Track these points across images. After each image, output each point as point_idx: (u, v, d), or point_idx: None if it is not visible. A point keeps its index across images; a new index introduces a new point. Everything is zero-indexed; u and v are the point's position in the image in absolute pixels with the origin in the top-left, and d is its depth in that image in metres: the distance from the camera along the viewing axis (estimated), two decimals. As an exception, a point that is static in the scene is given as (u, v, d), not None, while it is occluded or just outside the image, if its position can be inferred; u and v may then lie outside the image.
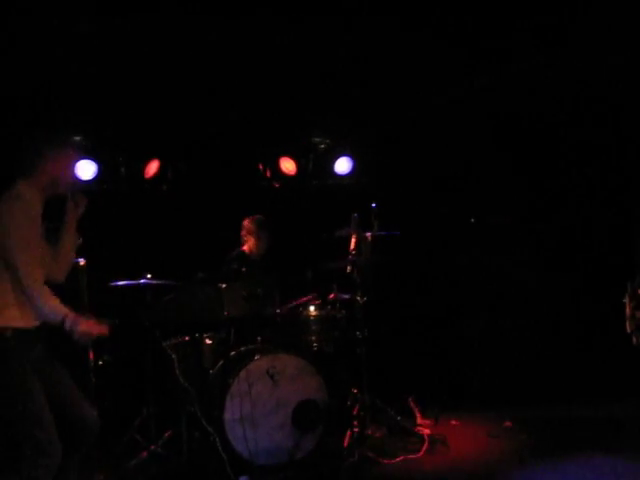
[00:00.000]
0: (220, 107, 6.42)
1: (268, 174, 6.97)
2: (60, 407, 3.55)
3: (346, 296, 5.90)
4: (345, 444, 5.21)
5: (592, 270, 7.04)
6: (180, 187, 6.75)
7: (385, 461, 5.11)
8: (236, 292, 5.52)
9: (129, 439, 5.40)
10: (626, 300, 5.39)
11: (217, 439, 4.90)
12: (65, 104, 5.99)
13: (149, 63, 5.95)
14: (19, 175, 3.63)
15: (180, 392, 5.19)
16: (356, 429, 5.34)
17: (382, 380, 5.86)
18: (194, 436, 5.20)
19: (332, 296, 5.92)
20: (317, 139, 7.02)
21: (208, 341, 5.51)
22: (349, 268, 5.75)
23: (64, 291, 3.76)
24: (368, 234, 5.74)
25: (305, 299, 5.86)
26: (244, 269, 5.65)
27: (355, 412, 5.52)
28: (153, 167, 6.56)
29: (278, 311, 5.70)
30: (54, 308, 3.50)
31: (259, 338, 5.58)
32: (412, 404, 6.13)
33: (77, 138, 6.13)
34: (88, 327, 3.49)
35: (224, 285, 5.38)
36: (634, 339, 5.33)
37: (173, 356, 5.26)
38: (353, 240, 5.70)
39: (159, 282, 5.42)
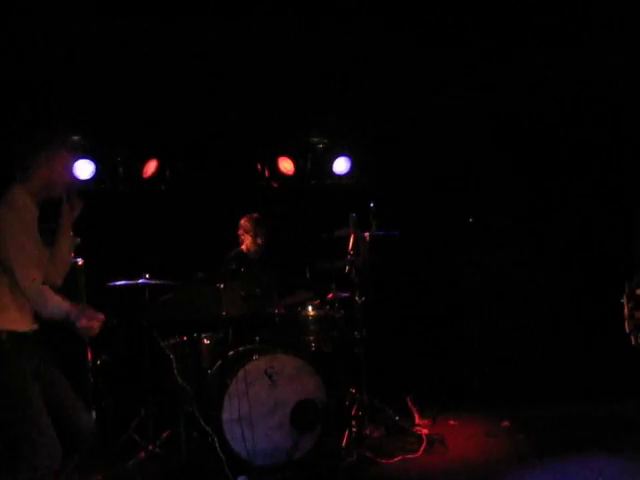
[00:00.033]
0: (219, 107, 6.42)
1: (266, 174, 6.97)
2: (55, 412, 3.54)
3: (345, 295, 5.90)
4: (343, 444, 5.21)
5: (592, 270, 7.04)
6: (178, 187, 6.75)
7: (383, 461, 5.11)
8: (234, 292, 5.52)
9: (127, 439, 5.39)
10: (624, 300, 5.39)
11: (215, 439, 4.89)
12: (64, 104, 5.99)
13: (148, 63, 5.96)
14: (14, 179, 3.63)
15: (178, 392, 5.18)
16: (354, 429, 5.34)
17: (380, 380, 5.85)
18: (192, 436, 5.20)
19: (331, 296, 5.92)
20: (315, 139, 7.01)
21: (206, 341, 5.51)
22: (347, 268, 5.75)
23: (62, 291, 3.76)
24: (366, 234, 5.74)
25: (300, 298, 5.87)
26: (243, 269, 5.64)
27: (353, 412, 5.52)
28: (151, 167, 6.55)
29: (276, 311, 5.70)
30: (56, 305, 3.53)
31: (257, 338, 5.57)
32: (410, 404, 6.13)
33: (75, 137, 6.12)
34: (90, 321, 3.53)
35: (222, 285, 5.38)
36: (633, 339, 5.34)
37: (171, 356, 5.25)
38: (351, 240, 5.70)
39: (157, 282, 5.42)
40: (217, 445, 4.87)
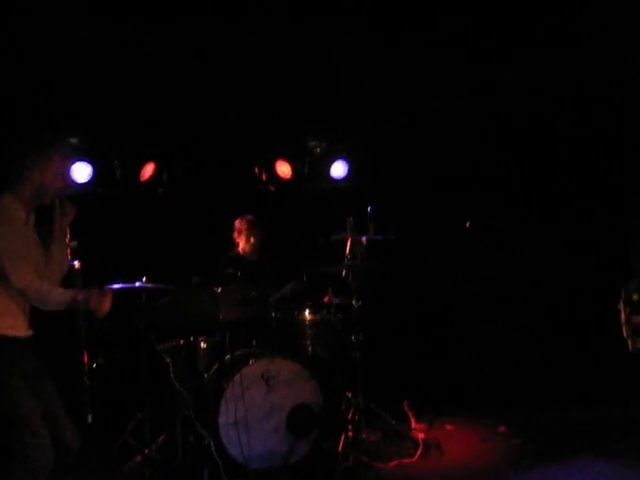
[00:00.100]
0: (216, 110, 6.42)
1: (264, 177, 6.97)
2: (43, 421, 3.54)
3: (341, 300, 5.90)
4: (339, 448, 5.20)
5: (592, 270, 7.04)
6: (176, 190, 6.75)
7: (379, 465, 5.11)
8: (231, 296, 5.50)
9: (123, 443, 5.38)
10: (621, 306, 5.39)
11: (211, 443, 4.88)
12: (61, 106, 5.99)
13: (146, 66, 5.96)
14: (5, 187, 3.63)
15: (174, 396, 5.18)
16: (350, 433, 5.34)
17: (377, 384, 5.84)
18: (188, 440, 5.18)
19: (327, 300, 5.92)
20: (313, 142, 7.02)
21: (203, 345, 5.50)
22: (344, 272, 5.75)
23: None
24: (364, 238, 5.74)
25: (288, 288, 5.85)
26: (239, 273, 5.64)
27: (350, 416, 5.52)
28: (149, 170, 6.55)
29: (273, 315, 5.70)
30: (59, 294, 3.59)
31: (254, 342, 5.57)
32: (407, 408, 6.13)
33: (73, 140, 6.11)
34: (99, 299, 3.57)
35: (219, 289, 5.37)
36: (630, 344, 5.34)
37: (167, 360, 5.25)
38: (349, 244, 5.70)
39: (154, 285, 5.40)
40: (213, 449, 4.86)
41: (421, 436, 5.59)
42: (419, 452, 5.30)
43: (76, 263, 5.17)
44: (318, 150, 7.02)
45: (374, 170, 7.04)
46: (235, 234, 6.34)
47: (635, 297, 5.33)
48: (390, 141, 7.04)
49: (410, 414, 6.08)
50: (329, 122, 6.80)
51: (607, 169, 7.01)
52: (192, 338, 5.50)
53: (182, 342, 5.50)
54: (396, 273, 6.94)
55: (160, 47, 5.76)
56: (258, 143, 6.84)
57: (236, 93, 6.31)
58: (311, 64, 6.16)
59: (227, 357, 5.38)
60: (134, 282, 5.33)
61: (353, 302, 5.73)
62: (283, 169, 6.90)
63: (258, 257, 6.37)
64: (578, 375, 6.63)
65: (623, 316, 5.38)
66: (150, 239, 6.57)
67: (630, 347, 5.36)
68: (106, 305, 3.61)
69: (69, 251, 4.41)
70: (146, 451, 5.19)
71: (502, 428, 5.90)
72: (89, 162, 6.20)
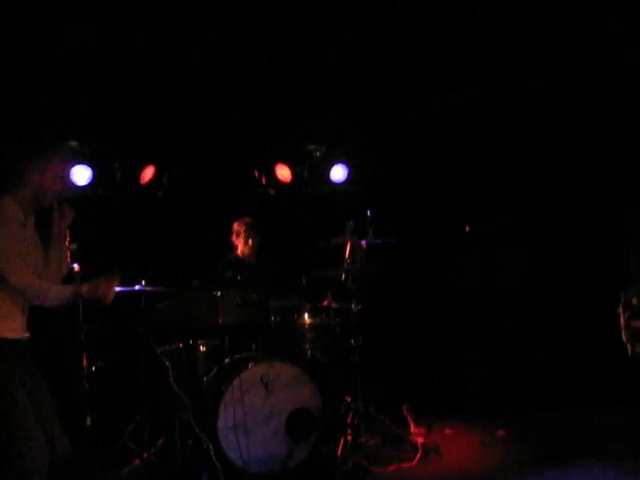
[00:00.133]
0: (216, 114, 6.43)
1: (264, 181, 6.97)
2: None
3: (341, 304, 5.90)
4: (338, 452, 5.21)
5: (592, 270, 7.04)
6: (175, 193, 6.74)
7: (378, 469, 5.11)
8: (231, 300, 5.50)
9: (122, 446, 5.37)
10: (620, 310, 5.40)
11: (210, 447, 4.88)
12: (61, 109, 5.99)
13: (146, 68, 5.95)
14: (4, 189, 3.64)
15: (174, 399, 5.17)
16: (350, 437, 5.35)
17: (376, 388, 5.85)
18: (187, 444, 5.18)
19: (327, 303, 5.92)
20: (312, 146, 7.02)
21: (202, 348, 5.50)
22: (344, 276, 5.76)
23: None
24: (363, 242, 5.74)
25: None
26: (239, 276, 5.64)
27: (349, 420, 5.52)
28: (149, 173, 6.55)
29: (273, 319, 5.69)
30: (58, 291, 3.64)
31: (253, 346, 5.57)
32: (406, 412, 6.12)
33: (73, 143, 6.11)
34: (103, 289, 3.64)
35: (219, 293, 5.37)
36: (629, 348, 5.35)
37: (167, 363, 5.25)
38: (348, 248, 5.70)
39: (154, 289, 5.41)
40: (212, 453, 4.86)
41: (420, 440, 5.58)
42: (418, 456, 5.30)
43: (76, 266, 5.15)
44: (318, 154, 7.03)
45: (374, 174, 7.04)
46: (233, 237, 6.35)
47: (634, 301, 5.34)
48: (389, 145, 7.05)
49: (409, 418, 6.07)
50: (329, 126, 6.80)
51: (607, 169, 7.01)
52: (191, 341, 5.50)
53: (181, 345, 5.50)
54: (395, 277, 6.94)
55: (160, 48, 5.75)
56: (258, 146, 6.84)
57: (236, 96, 6.31)
58: (311, 66, 6.16)
59: (226, 361, 5.38)
60: (134, 285, 5.34)
61: (352, 306, 5.73)
62: (283, 173, 6.89)
63: (257, 260, 6.37)
64: (578, 378, 6.63)
65: (622, 320, 5.38)
66: (150, 242, 6.56)
67: (629, 351, 5.37)
68: (111, 295, 3.66)
69: (69, 254, 4.41)
70: (145, 455, 5.20)
71: (501, 432, 5.90)
72: (89, 165, 6.20)
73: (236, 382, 5.01)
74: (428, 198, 7.17)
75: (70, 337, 5.52)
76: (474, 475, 5.03)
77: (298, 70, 6.14)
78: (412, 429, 5.95)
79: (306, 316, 5.73)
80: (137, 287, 5.34)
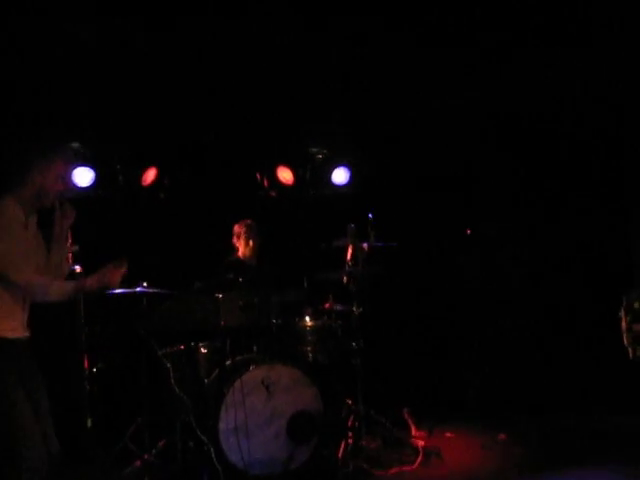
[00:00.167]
0: (218, 116, 6.43)
1: (265, 183, 6.97)
2: None
3: (342, 306, 5.90)
4: (339, 455, 5.21)
5: (592, 270, 7.04)
6: (177, 195, 6.74)
7: (379, 472, 5.10)
8: (233, 302, 5.51)
9: (123, 448, 5.36)
10: (622, 314, 5.40)
11: (211, 449, 4.88)
12: (63, 111, 5.99)
13: (148, 71, 5.96)
14: (6, 189, 3.65)
15: (175, 401, 5.17)
16: (350, 440, 5.35)
17: (377, 391, 5.84)
18: (188, 446, 5.18)
19: (328, 306, 5.91)
20: (315, 149, 7.02)
21: (203, 350, 5.50)
22: (345, 278, 5.75)
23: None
24: (365, 245, 5.74)
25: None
26: (241, 279, 5.64)
27: (350, 423, 5.52)
28: (150, 175, 6.55)
29: (274, 321, 5.69)
30: (60, 287, 3.65)
31: (254, 348, 5.57)
32: (407, 416, 6.12)
33: (75, 145, 6.12)
34: (110, 275, 3.67)
35: (221, 295, 5.38)
36: (631, 352, 5.35)
37: (168, 365, 5.25)
38: (350, 250, 5.70)
39: (155, 291, 5.41)
40: (213, 455, 4.86)
41: (421, 443, 5.57)
42: (419, 460, 5.30)
43: (77, 267, 5.17)
44: (320, 156, 7.03)
45: (375, 177, 7.05)
46: (234, 239, 6.36)
47: (636, 305, 5.34)
48: (390, 147, 7.05)
49: (410, 421, 6.07)
50: (331, 128, 6.80)
51: (607, 169, 7.00)
52: (193, 343, 5.50)
53: (183, 347, 5.49)
54: (397, 280, 6.94)
55: (160, 49, 5.76)
56: (260, 149, 6.84)
57: (238, 99, 6.32)
58: (313, 68, 6.17)
59: (228, 363, 5.38)
60: (135, 287, 5.34)
61: (354, 309, 5.73)
62: (285, 175, 6.90)
63: (258, 262, 6.37)
64: (578, 380, 6.62)
65: (624, 324, 5.38)
66: (151, 244, 6.56)
67: (630, 355, 5.36)
68: (116, 281, 3.70)
69: (70, 255, 4.42)
70: (146, 456, 5.20)
71: (502, 436, 5.88)
72: (91, 167, 6.20)
73: (237, 384, 5.01)
74: (429, 201, 7.17)
75: (71, 338, 5.53)
76: (475, 478, 5.03)
77: (298, 71, 6.15)
78: (413, 432, 5.94)
79: (307, 319, 5.73)
80: (139, 289, 5.35)
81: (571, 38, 5.96)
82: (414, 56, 6.10)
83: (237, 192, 6.91)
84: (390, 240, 5.86)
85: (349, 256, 5.70)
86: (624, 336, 5.38)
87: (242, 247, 6.32)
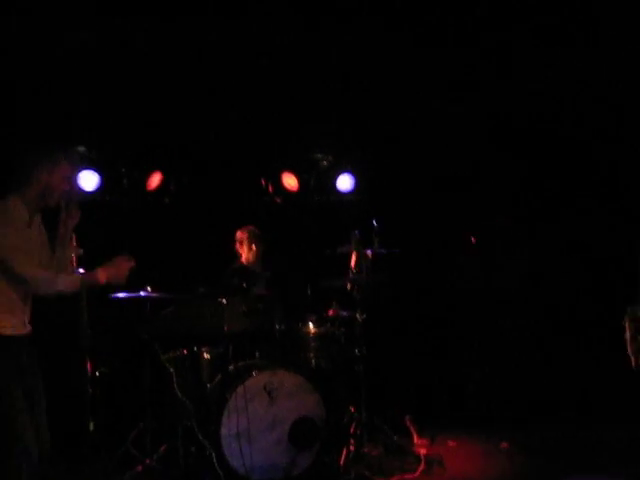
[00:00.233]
0: (224, 121, 6.45)
1: (270, 189, 6.99)
2: None
3: (345, 313, 5.89)
4: (341, 462, 5.19)
5: (592, 270, 7.03)
6: (182, 200, 6.76)
7: (381, 480, 5.09)
8: (236, 307, 5.51)
9: (124, 452, 5.35)
10: (625, 323, 5.36)
11: (213, 454, 4.87)
12: (68, 115, 6.01)
13: (153, 76, 5.98)
14: (11, 188, 3.66)
15: (177, 406, 5.17)
16: (353, 447, 5.33)
17: (380, 398, 5.83)
18: (190, 451, 5.17)
19: (332, 313, 5.91)
20: (319, 155, 7.04)
21: (206, 355, 5.50)
22: (349, 285, 5.75)
23: (64, 301, 3.78)
24: (369, 251, 5.74)
25: None
26: (245, 285, 5.64)
27: (352, 430, 5.50)
28: (156, 179, 6.57)
29: (277, 327, 5.69)
30: (67, 280, 3.65)
31: (257, 354, 5.57)
32: (409, 423, 6.10)
33: (81, 149, 6.14)
34: (113, 271, 3.74)
35: (225, 300, 5.38)
36: (634, 361, 5.31)
37: (171, 370, 5.25)
38: (354, 257, 5.70)
39: (159, 295, 5.42)
40: (215, 460, 4.85)
41: (423, 451, 5.56)
42: (421, 468, 5.28)
43: (81, 271, 5.17)
44: (325, 163, 7.05)
45: (380, 184, 7.05)
46: (237, 245, 6.36)
47: (641, 314, 5.30)
48: (395, 155, 7.06)
49: (412, 429, 6.05)
50: (335, 134, 6.81)
51: (607, 169, 7.00)
52: (196, 348, 5.50)
53: (186, 352, 5.49)
54: (400, 287, 6.93)
55: (161, 49, 5.77)
56: (265, 155, 6.86)
57: (243, 105, 6.34)
58: (318, 78, 6.18)
59: (230, 368, 5.37)
60: (139, 291, 5.34)
61: (357, 315, 5.73)
62: (289, 181, 6.91)
63: (262, 268, 6.37)
64: (580, 385, 6.61)
65: (628, 334, 5.35)
66: (156, 248, 6.56)
67: (634, 364, 5.33)
68: (124, 274, 3.79)
69: (75, 258, 4.43)
70: (147, 461, 5.18)
71: (505, 445, 5.87)
72: (96, 171, 6.22)
73: (240, 390, 5.00)
74: (433, 208, 7.17)
75: (74, 342, 5.53)
76: (477, 487, 5.03)
77: (299, 72, 6.16)
78: (415, 440, 5.92)
79: (311, 325, 5.72)
80: (142, 293, 5.35)
81: (571, 38, 5.97)
82: (414, 56, 6.11)
83: (242, 198, 6.92)
84: (394, 247, 5.86)
85: (353, 263, 5.70)
86: (628, 345, 5.34)
87: (245, 253, 6.33)
